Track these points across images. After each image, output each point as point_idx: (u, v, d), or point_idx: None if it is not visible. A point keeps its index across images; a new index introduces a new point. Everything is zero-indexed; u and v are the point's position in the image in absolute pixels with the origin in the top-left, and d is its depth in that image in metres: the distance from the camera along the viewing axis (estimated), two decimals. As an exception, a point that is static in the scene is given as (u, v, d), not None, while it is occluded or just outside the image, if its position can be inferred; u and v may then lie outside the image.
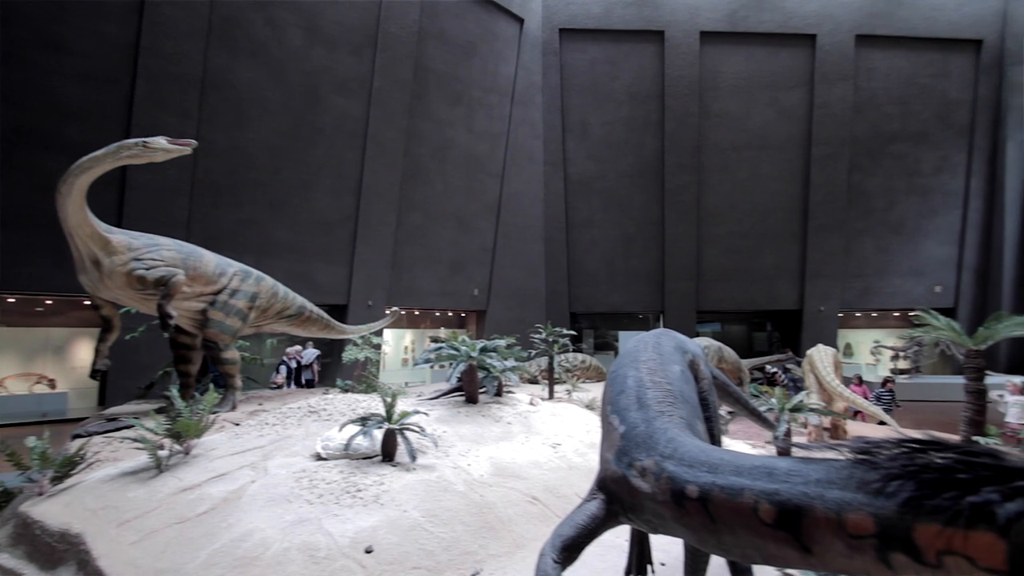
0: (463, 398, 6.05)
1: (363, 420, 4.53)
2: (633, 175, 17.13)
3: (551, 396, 7.57)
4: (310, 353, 10.77)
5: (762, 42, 16.16)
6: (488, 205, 16.20)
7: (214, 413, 5.11)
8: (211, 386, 5.87)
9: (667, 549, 3.63)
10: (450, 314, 17.26)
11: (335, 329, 8.19)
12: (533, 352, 8.91)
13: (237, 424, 5.35)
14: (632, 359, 2.18)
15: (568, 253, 17.42)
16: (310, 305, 7.64)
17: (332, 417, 5.47)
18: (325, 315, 7.96)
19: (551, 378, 7.70)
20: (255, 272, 6.51)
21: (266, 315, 6.74)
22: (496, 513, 4.06)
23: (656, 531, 1.71)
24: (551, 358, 7.79)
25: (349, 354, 8.48)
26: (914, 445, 1.17)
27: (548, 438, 5.44)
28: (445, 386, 6.82)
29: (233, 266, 6.26)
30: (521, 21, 16.19)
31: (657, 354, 2.15)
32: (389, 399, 4.62)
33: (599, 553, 3.77)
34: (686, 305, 16.73)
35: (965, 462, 1.08)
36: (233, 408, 5.92)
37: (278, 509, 3.62)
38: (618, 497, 1.76)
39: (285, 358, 10.19)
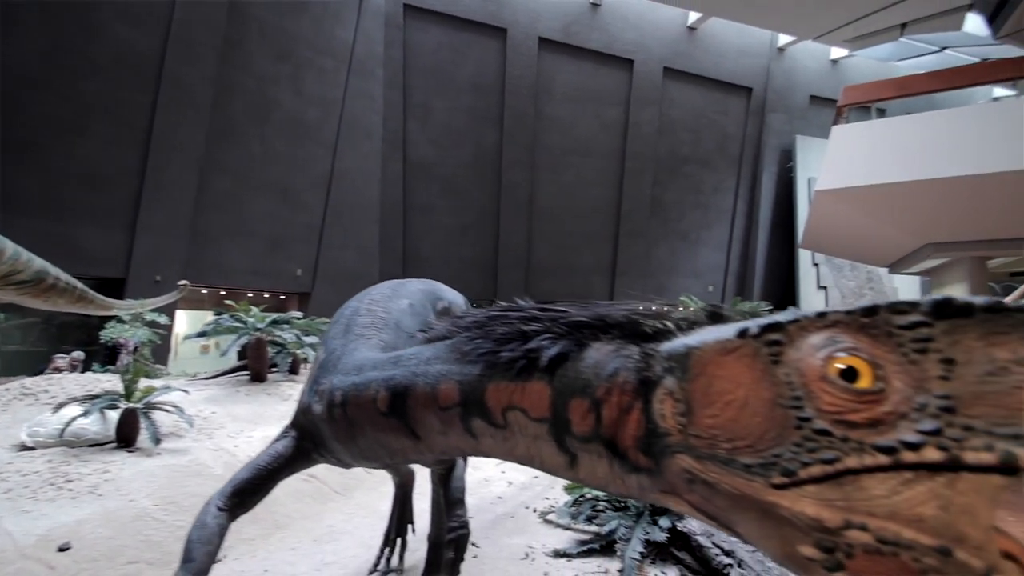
0: (248, 376, 5.40)
1: (90, 399, 3.72)
2: (472, 165, 17.41)
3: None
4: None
5: (591, 58, 17.72)
6: (317, 178, 14.93)
7: None
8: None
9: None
10: (267, 295, 15.53)
11: (96, 303, 6.68)
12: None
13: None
14: (365, 294, 2.04)
15: (404, 237, 17.01)
16: (55, 271, 6.10)
17: (57, 400, 4.43)
18: (80, 285, 6.45)
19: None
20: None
21: (-28, 277, 5.16)
22: (257, 494, 3.66)
23: (345, 463, 1.60)
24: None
25: (110, 332, 7.01)
26: (518, 311, 1.12)
27: (339, 415, 5.16)
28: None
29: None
30: (363, -15, 15.24)
31: (391, 290, 2.03)
32: (129, 375, 3.88)
33: (371, 524, 3.66)
34: (517, 295, 17.44)
35: (536, 315, 1.06)
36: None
37: (-77, 511, 2.77)
38: (307, 431, 1.61)
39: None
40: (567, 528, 3.64)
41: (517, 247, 17.58)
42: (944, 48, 15.98)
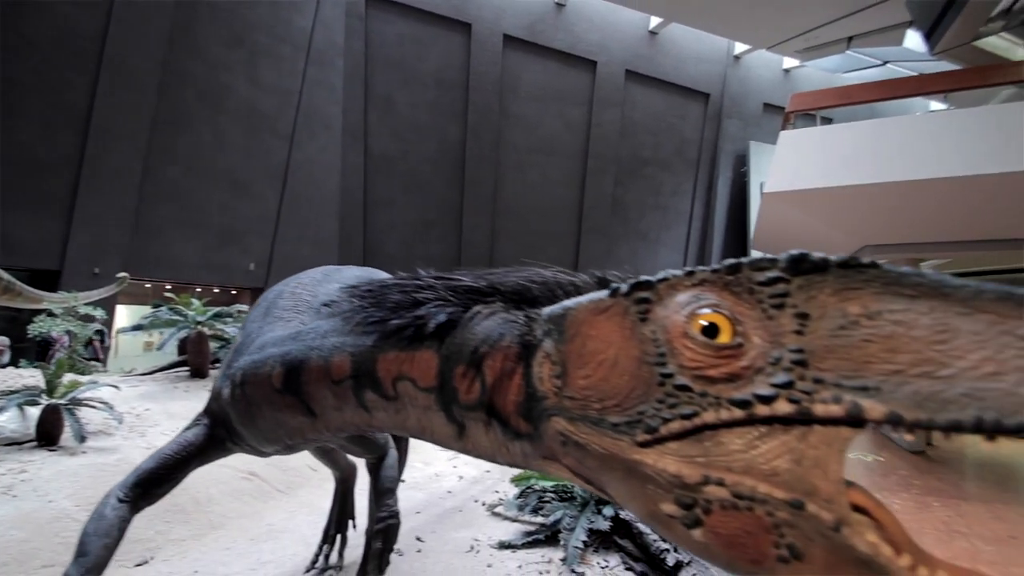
0: (188, 372, 5.16)
1: (6, 395, 3.47)
2: (436, 160, 17.23)
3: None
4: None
5: (555, 58, 17.84)
6: (273, 169, 14.43)
7: None
8: None
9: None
10: (217, 290, 14.92)
11: (25, 296, 6.26)
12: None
13: None
14: (294, 278, 1.94)
15: (365, 232, 16.66)
16: None
17: (-30, 397, 4.11)
18: (7, 276, 6.01)
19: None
20: None
21: None
22: (192, 494, 3.52)
23: (258, 451, 1.53)
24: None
25: (39, 327, 6.56)
26: (414, 280, 1.09)
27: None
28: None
29: None
30: (322, -27, 14.82)
31: (322, 275, 1.93)
32: (52, 369, 3.64)
33: (314, 522, 3.56)
34: (478, 292, 17.51)
35: (431, 284, 1.04)
36: None
37: None
38: (220, 418, 1.53)
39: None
40: (514, 520, 3.65)
41: (480, 244, 17.53)
42: (886, 62, 16.93)
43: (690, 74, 19.29)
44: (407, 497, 4.09)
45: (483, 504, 3.96)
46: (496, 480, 4.49)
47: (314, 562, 2.88)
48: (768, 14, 13.71)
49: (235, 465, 4.02)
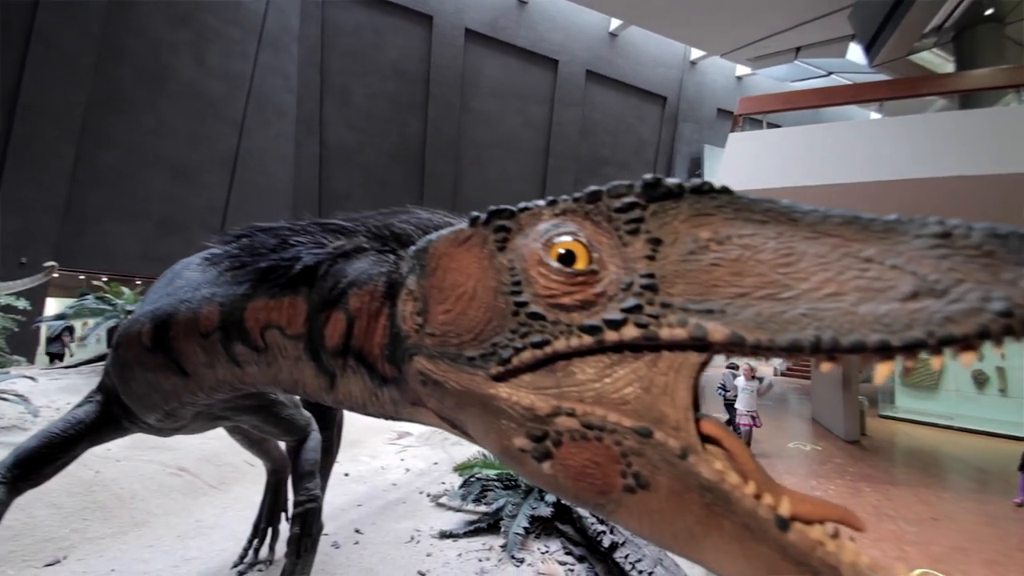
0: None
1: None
2: (394, 154, 16.93)
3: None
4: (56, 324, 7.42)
5: (517, 55, 17.86)
6: (221, 157, 13.80)
7: None
8: None
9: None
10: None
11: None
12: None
13: None
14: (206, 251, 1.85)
15: (320, 226, 16.18)
16: None
17: None
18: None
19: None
20: None
21: None
22: (113, 490, 3.32)
23: (154, 429, 1.44)
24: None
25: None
26: (290, 225, 1.05)
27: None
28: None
29: None
30: (276, -45, 14.28)
31: None
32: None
33: (247, 517, 3.42)
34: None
35: (307, 228, 1.01)
36: None
37: None
38: (113, 393, 1.43)
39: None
40: (458, 510, 3.63)
41: (440, 240, 17.37)
42: (830, 73, 17.86)
43: (648, 77, 19.74)
44: (350, 491, 4.01)
45: (428, 495, 3.92)
46: (443, 472, 4.45)
47: (243, 557, 2.76)
48: (722, 22, 14.18)
49: (163, 460, 3.82)
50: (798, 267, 0.54)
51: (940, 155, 5.41)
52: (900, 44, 10.92)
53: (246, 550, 2.78)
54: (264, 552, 2.82)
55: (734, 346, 0.55)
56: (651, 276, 0.60)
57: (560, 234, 0.65)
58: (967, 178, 5.17)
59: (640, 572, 2.45)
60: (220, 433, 4.47)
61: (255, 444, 2.58)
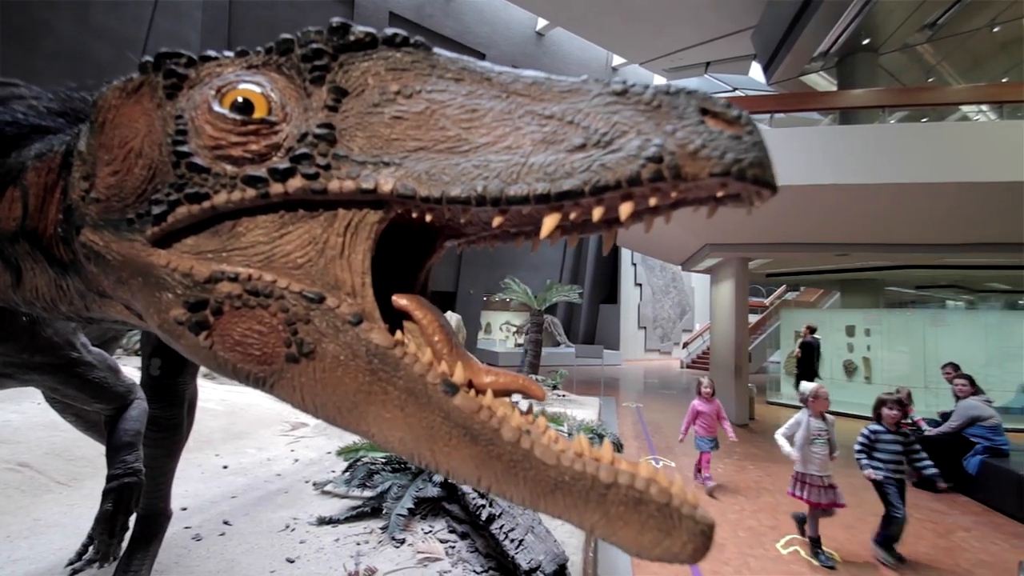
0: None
1: None
2: (312, 139, 16.11)
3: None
4: None
5: (443, 44, 17.38)
6: (107, 129, 12.40)
7: None
8: None
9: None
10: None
11: None
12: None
13: None
14: None
15: (225, 210, 15.06)
16: None
17: None
18: None
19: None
20: None
21: None
22: (-76, 489, 2.85)
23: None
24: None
25: None
26: None
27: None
28: None
29: None
30: (179, -87, 13.06)
31: None
32: None
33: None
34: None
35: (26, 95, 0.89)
36: None
37: None
38: None
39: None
40: (344, 497, 3.50)
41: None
42: (735, 89, 19.33)
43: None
44: (227, 483, 3.74)
45: (313, 484, 3.74)
46: (334, 462, 4.27)
47: (81, 553, 2.47)
48: (641, 31, 14.88)
49: (1, 456, 3.35)
50: (481, 122, 0.53)
51: (829, 164, 5.91)
52: (792, 65, 12.01)
53: (85, 546, 2.49)
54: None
55: (406, 199, 0.52)
56: (329, 127, 0.56)
57: (238, 82, 0.60)
58: (841, 187, 5.74)
59: (512, 540, 2.48)
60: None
61: (93, 427, 2.30)
